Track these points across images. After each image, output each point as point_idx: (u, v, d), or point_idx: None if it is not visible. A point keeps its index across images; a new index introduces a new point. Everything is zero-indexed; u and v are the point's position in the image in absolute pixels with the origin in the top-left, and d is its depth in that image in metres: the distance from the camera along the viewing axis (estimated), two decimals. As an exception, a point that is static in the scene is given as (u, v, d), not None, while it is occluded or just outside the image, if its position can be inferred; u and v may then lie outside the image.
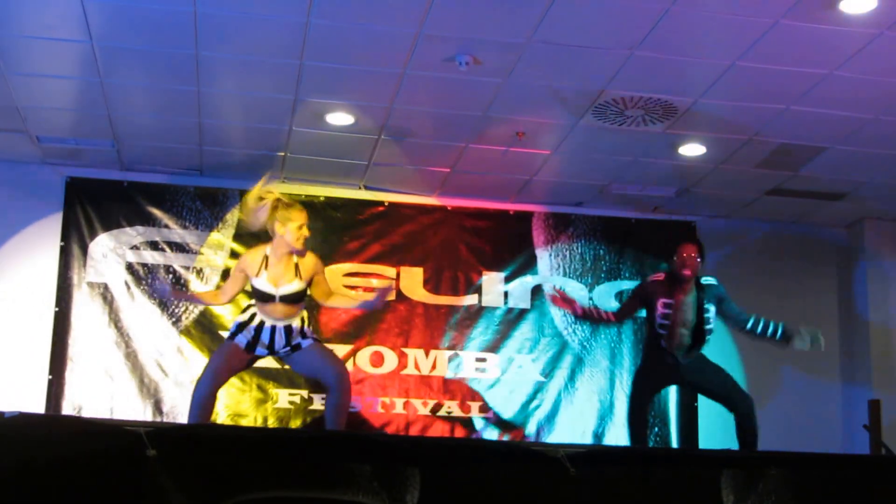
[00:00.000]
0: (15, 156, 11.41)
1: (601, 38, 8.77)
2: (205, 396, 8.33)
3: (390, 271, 12.05)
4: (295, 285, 8.30)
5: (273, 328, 8.32)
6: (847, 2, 8.04)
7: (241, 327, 8.40)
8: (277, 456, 5.85)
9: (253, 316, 8.40)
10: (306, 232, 8.36)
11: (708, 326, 9.26)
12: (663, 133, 10.45)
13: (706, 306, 9.26)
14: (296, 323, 8.38)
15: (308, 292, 8.43)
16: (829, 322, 12.83)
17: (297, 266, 8.34)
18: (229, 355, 8.42)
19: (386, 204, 12.24)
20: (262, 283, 8.29)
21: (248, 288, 8.55)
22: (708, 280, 9.44)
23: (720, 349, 12.34)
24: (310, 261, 8.44)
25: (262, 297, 8.32)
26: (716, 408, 12.27)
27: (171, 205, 11.77)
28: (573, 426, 12.01)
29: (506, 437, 11.82)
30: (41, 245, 11.47)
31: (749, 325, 9.50)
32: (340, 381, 8.34)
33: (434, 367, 11.96)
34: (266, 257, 8.34)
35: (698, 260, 9.28)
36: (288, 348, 8.36)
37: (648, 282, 9.61)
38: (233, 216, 11.83)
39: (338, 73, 9.46)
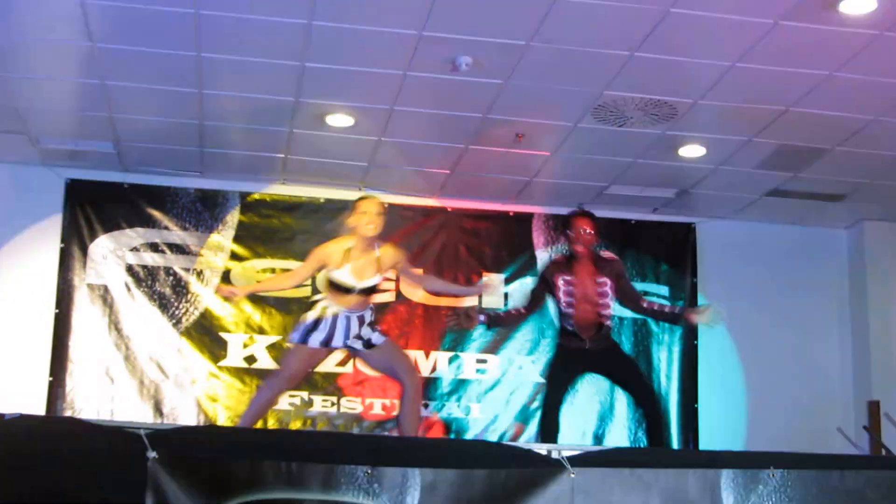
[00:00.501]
0: (15, 157, 11.42)
1: (601, 40, 8.78)
2: (269, 399, 8.53)
3: (390, 272, 12.02)
4: (376, 279, 8.40)
5: (347, 318, 8.35)
6: (847, 3, 8.04)
7: (315, 325, 8.35)
8: (278, 457, 5.85)
9: (324, 309, 8.38)
10: (378, 221, 8.40)
11: (604, 301, 8.99)
12: (663, 134, 10.46)
13: (600, 280, 8.98)
14: (367, 314, 8.45)
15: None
16: (829, 323, 12.85)
17: (378, 260, 8.40)
18: (302, 360, 8.48)
19: (386, 205, 12.16)
20: (345, 276, 8.29)
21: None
22: (606, 254, 9.25)
23: (719, 350, 12.39)
24: (390, 253, 8.52)
25: (340, 289, 8.33)
26: (715, 409, 12.34)
27: (171, 206, 11.78)
28: (573, 428, 12.00)
29: (506, 439, 11.82)
30: (41, 247, 11.48)
31: (644, 304, 9.25)
32: (413, 380, 8.52)
33: (434, 368, 11.97)
34: (349, 250, 8.34)
35: (591, 233, 8.99)
36: (361, 342, 8.41)
37: (548, 263, 9.49)
38: (233, 218, 11.85)
39: (338, 74, 9.46)
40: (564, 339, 9.10)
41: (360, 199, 8.54)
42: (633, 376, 9.30)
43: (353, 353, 8.70)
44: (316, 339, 8.33)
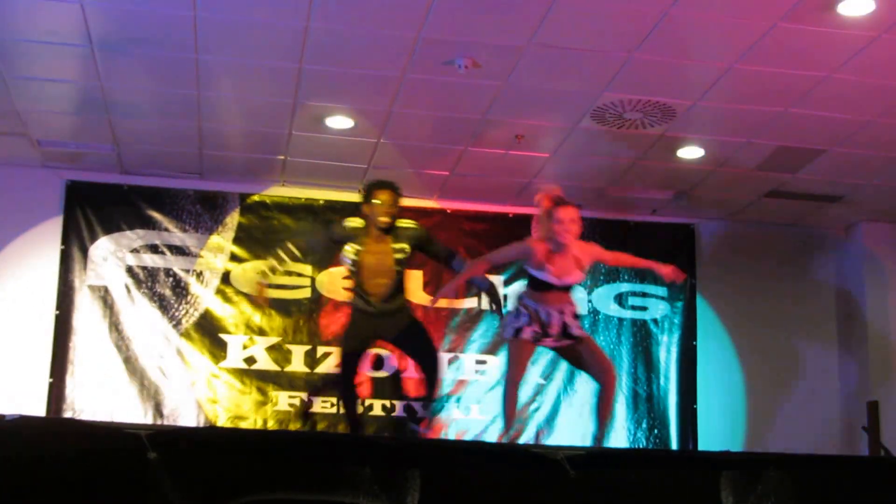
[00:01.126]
0: (15, 159, 11.42)
1: (600, 42, 8.79)
2: (512, 395, 8.64)
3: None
4: (576, 276, 8.46)
5: (548, 313, 8.41)
6: (845, 4, 8.05)
7: (521, 326, 8.45)
8: (277, 458, 5.87)
9: (526, 307, 8.48)
10: (578, 228, 8.43)
11: (398, 269, 8.95)
12: (662, 136, 10.47)
13: (396, 246, 8.95)
14: (568, 309, 8.49)
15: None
16: (827, 324, 12.86)
17: (577, 258, 8.44)
18: (523, 350, 8.56)
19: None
20: (546, 275, 8.36)
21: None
22: (405, 223, 9.14)
23: (718, 351, 12.40)
24: (587, 249, 8.55)
25: (541, 287, 8.42)
26: (714, 410, 12.35)
27: (171, 208, 11.78)
28: (573, 428, 12.01)
29: (506, 440, 11.82)
30: (41, 249, 11.48)
31: (455, 263, 9.25)
32: (610, 377, 8.61)
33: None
34: (550, 250, 8.38)
35: (392, 205, 8.96)
36: (564, 338, 8.48)
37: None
38: (232, 219, 11.87)
39: (337, 76, 9.47)
40: (358, 306, 9.13)
41: (557, 200, 8.55)
42: (421, 343, 9.33)
43: (558, 348, 8.75)
44: (529, 334, 8.44)
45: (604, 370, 8.57)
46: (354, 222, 9.03)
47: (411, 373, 11.36)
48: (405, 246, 9.03)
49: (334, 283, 11.69)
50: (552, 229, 8.35)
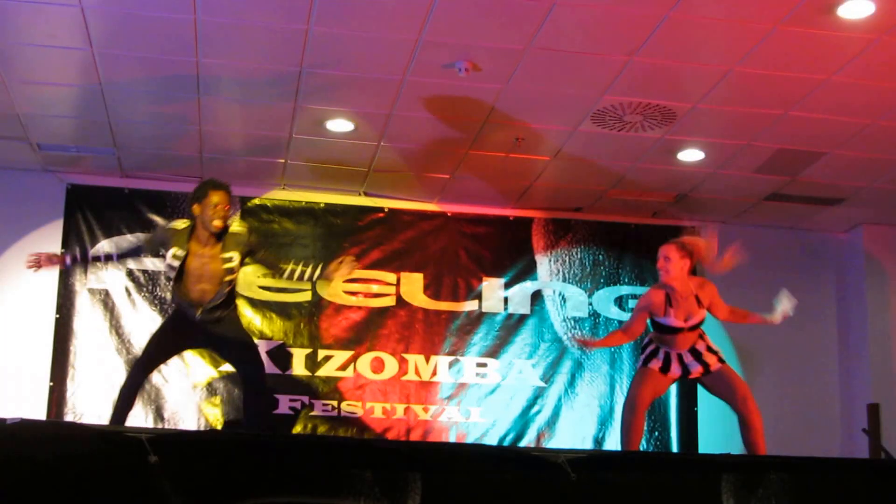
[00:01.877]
0: (16, 163, 11.42)
1: (600, 45, 8.79)
2: (630, 420, 8.70)
3: (391, 277, 12.07)
4: (699, 315, 8.72)
5: (680, 356, 8.72)
6: (845, 7, 8.05)
7: (650, 356, 8.80)
8: (279, 462, 5.86)
9: (657, 348, 8.78)
10: (679, 264, 8.74)
11: (228, 279, 8.48)
12: (662, 139, 10.47)
13: (225, 255, 8.47)
14: (699, 344, 8.76)
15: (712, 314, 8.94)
16: (827, 326, 12.86)
17: (697, 297, 8.72)
18: (646, 378, 8.77)
19: (386, 210, 12.25)
20: (670, 321, 8.68)
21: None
22: (236, 227, 8.79)
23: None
24: (708, 289, 8.87)
25: (667, 331, 8.72)
26: (715, 413, 12.33)
27: (171, 211, 11.76)
28: (574, 431, 12.02)
29: (506, 443, 11.83)
30: (42, 252, 11.45)
31: (286, 274, 8.71)
32: (748, 406, 8.69)
33: (435, 372, 11.98)
34: (668, 296, 8.70)
35: (226, 208, 8.53)
36: (700, 370, 8.73)
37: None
38: (233, 223, 11.85)
39: (338, 80, 9.47)
40: (177, 310, 8.77)
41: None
42: (238, 346, 8.76)
43: (689, 379, 8.96)
44: (656, 364, 8.75)
45: (741, 399, 8.72)
46: (179, 224, 8.68)
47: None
48: (234, 254, 8.51)
49: (335, 286, 11.67)
50: (658, 266, 8.81)
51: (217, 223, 8.44)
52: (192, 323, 8.55)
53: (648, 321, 8.88)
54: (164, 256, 8.55)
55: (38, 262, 8.95)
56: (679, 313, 8.67)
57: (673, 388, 12.25)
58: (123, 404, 8.66)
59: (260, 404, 8.90)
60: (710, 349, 8.79)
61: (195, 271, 8.46)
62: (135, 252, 9.10)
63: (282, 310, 11.72)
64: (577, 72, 9.22)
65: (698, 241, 8.85)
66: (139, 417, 11.21)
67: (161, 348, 8.80)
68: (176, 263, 8.44)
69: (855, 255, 12.82)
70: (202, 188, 8.57)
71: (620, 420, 8.89)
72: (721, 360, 8.82)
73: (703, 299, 8.75)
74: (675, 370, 8.73)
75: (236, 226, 8.70)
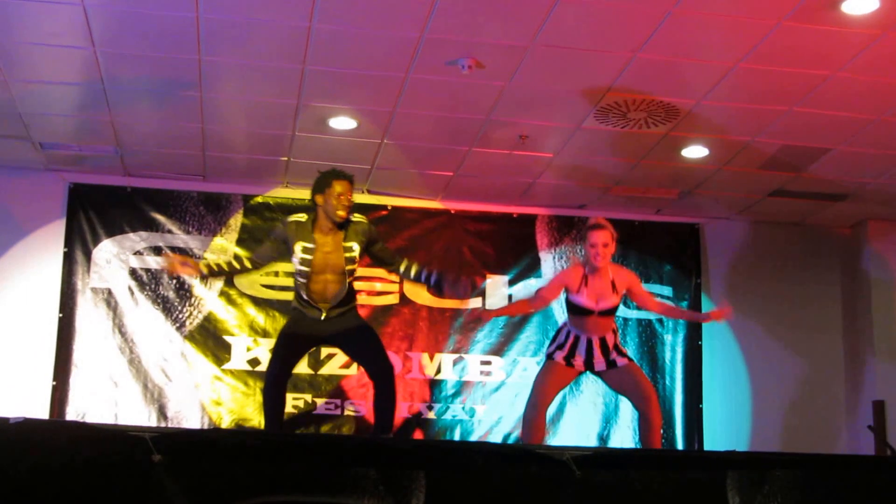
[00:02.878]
0: (18, 162, 11.41)
1: (604, 41, 8.76)
2: (533, 417, 8.76)
3: (394, 275, 12.04)
4: (611, 301, 8.67)
5: (589, 340, 8.72)
6: (849, 3, 8.02)
7: (557, 347, 8.84)
8: (283, 461, 5.85)
9: (567, 336, 8.82)
10: (611, 250, 8.68)
11: (350, 268, 8.45)
12: (666, 135, 10.45)
13: (347, 245, 8.44)
14: (609, 337, 8.77)
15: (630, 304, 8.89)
16: (833, 323, 12.83)
17: (613, 283, 8.67)
18: (551, 372, 8.83)
19: (389, 208, 12.24)
20: (582, 300, 8.66)
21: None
22: (356, 217, 8.61)
23: (723, 350, 12.38)
24: (626, 277, 8.83)
25: (579, 312, 8.70)
26: (720, 410, 12.32)
27: (174, 210, 11.77)
28: (578, 429, 12.01)
29: (511, 441, 11.81)
30: (45, 251, 11.47)
31: (402, 269, 8.79)
32: (650, 406, 8.67)
33: (439, 370, 11.96)
34: (585, 275, 8.66)
35: (350, 197, 8.47)
36: (604, 364, 8.74)
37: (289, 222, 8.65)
38: (236, 221, 11.86)
39: (341, 77, 9.45)
40: (299, 307, 8.65)
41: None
42: (366, 344, 8.76)
43: (598, 374, 8.94)
44: (559, 355, 8.79)
45: (643, 398, 8.74)
46: (299, 217, 8.54)
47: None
48: (355, 244, 8.46)
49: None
50: (587, 252, 8.66)
51: (341, 213, 8.39)
52: (316, 322, 8.52)
53: (564, 301, 8.88)
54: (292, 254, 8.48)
55: (174, 269, 8.94)
56: (591, 294, 8.63)
57: (678, 386, 12.25)
58: (273, 427, 8.63)
59: (393, 403, 8.83)
60: (617, 347, 8.82)
61: (319, 263, 8.42)
62: (270, 258, 8.82)
63: (285, 308, 11.65)
64: (581, 68, 9.20)
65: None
66: (142, 417, 11.21)
67: (290, 353, 8.71)
68: (309, 257, 8.38)
69: (860, 251, 12.79)
70: (325, 178, 8.50)
71: (523, 417, 8.92)
72: (629, 358, 8.88)
73: (618, 286, 8.71)
74: (579, 363, 8.76)
75: (356, 216, 8.57)
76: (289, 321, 8.93)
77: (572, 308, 8.77)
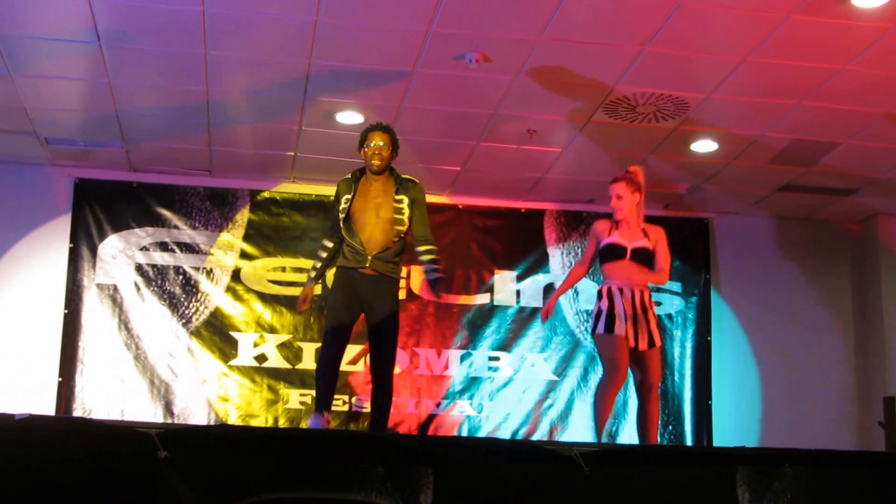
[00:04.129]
0: (23, 157, 11.40)
1: (612, 35, 8.73)
2: (604, 398, 8.52)
3: (402, 268, 12.00)
4: (644, 242, 8.57)
5: (621, 290, 8.46)
6: (859, -4, 8.01)
7: (604, 313, 8.46)
8: (289, 457, 5.82)
9: (603, 294, 8.49)
10: (631, 201, 8.57)
11: (398, 217, 8.27)
12: (675, 129, 10.41)
13: (398, 197, 8.31)
14: (647, 297, 8.52)
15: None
16: (843, 318, 12.79)
17: (644, 230, 8.63)
18: (616, 348, 8.45)
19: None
20: (615, 239, 8.54)
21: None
22: (409, 176, 8.48)
23: (732, 346, 12.34)
24: (657, 231, 8.72)
25: (612, 255, 8.52)
26: (729, 405, 12.29)
27: (180, 205, 11.76)
28: (587, 425, 11.93)
29: (519, 437, 11.78)
30: (50, 247, 11.47)
31: (421, 249, 8.49)
32: (651, 396, 8.60)
33: (446, 366, 11.93)
34: (614, 222, 8.57)
35: (387, 147, 8.33)
36: (646, 342, 8.43)
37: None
38: (242, 216, 11.84)
39: (347, 72, 9.43)
40: (344, 264, 8.44)
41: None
42: (387, 321, 8.44)
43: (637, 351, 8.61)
44: (610, 326, 8.42)
45: (647, 387, 8.57)
46: (346, 176, 8.46)
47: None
48: (405, 197, 8.31)
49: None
50: (611, 206, 8.54)
51: (375, 162, 8.27)
52: (359, 276, 8.27)
53: (597, 259, 8.66)
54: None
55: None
56: (623, 235, 8.48)
57: (687, 381, 12.23)
58: (325, 389, 8.48)
59: (390, 401, 8.76)
60: (659, 323, 8.73)
61: (362, 211, 8.28)
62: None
63: (292, 304, 11.64)
64: (589, 62, 9.15)
65: (639, 169, 8.63)
66: (149, 413, 11.19)
67: (338, 320, 8.43)
68: (349, 202, 8.29)
69: (870, 245, 12.75)
70: (363, 133, 8.44)
71: (592, 400, 8.72)
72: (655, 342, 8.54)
73: (649, 233, 8.58)
74: (620, 329, 8.38)
75: (410, 176, 8.45)
76: (333, 284, 8.57)
77: (605, 253, 8.52)
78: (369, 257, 8.22)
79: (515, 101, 9.89)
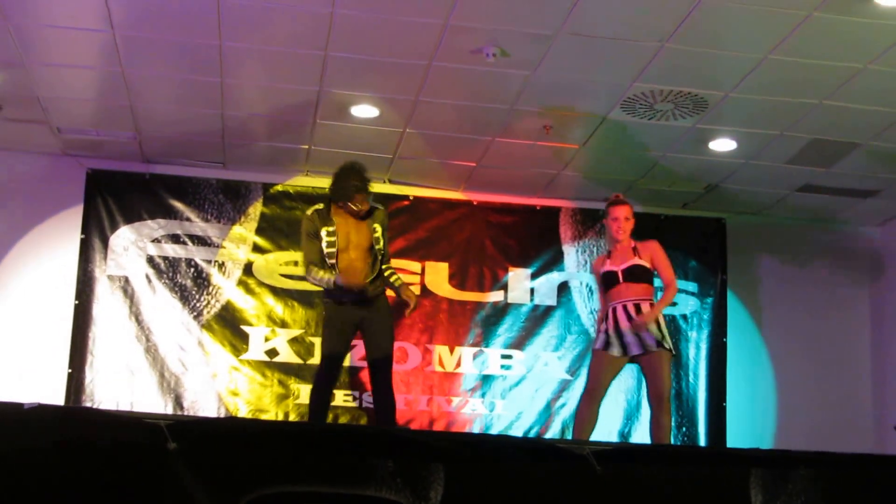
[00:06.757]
0: (35, 147, 11.38)
1: (631, 31, 8.68)
2: (579, 410, 9.25)
3: (415, 266, 11.98)
4: (633, 261, 8.99)
5: (624, 307, 8.87)
6: (881, -7, 7.95)
7: (600, 325, 9.12)
8: (299, 450, 5.80)
9: (605, 315, 9.04)
10: (632, 224, 9.16)
11: (378, 245, 9.04)
12: (693, 128, 10.36)
13: (374, 225, 9.06)
14: (644, 304, 8.87)
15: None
16: (860, 321, 12.74)
17: (634, 248, 9.09)
18: (593, 363, 9.15)
19: (411, 198, 12.17)
20: (607, 267, 9.08)
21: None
22: (375, 205, 9.20)
23: (748, 348, 12.29)
24: (647, 243, 9.13)
25: (608, 282, 9.02)
26: (744, 407, 12.23)
27: (193, 198, 11.73)
28: (599, 425, 11.76)
29: (531, 436, 11.73)
30: (62, 238, 11.45)
31: (387, 274, 9.28)
32: (662, 406, 8.86)
33: (459, 364, 11.89)
34: (608, 252, 9.15)
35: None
36: (640, 346, 8.86)
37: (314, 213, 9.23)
38: (255, 209, 11.81)
39: (363, 64, 9.39)
40: (336, 294, 9.09)
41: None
42: (385, 339, 9.25)
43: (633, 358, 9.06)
44: (601, 342, 9.05)
45: (656, 399, 8.84)
46: (317, 206, 9.13)
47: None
48: (378, 226, 9.08)
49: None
50: (609, 228, 9.03)
51: (355, 206, 8.99)
52: (349, 305, 9.02)
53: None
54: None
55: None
56: (614, 262, 8.99)
57: (702, 383, 12.17)
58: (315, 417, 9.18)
59: (393, 404, 9.32)
60: (660, 328, 8.90)
61: (341, 246, 8.99)
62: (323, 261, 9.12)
63: (304, 298, 11.62)
64: (608, 58, 9.11)
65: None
66: (158, 406, 11.17)
67: (334, 348, 9.19)
68: (333, 239, 8.96)
69: (889, 248, 12.69)
70: (350, 188, 8.99)
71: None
72: (667, 349, 8.91)
73: (640, 251, 9.00)
74: (617, 348, 8.93)
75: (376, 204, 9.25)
76: (325, 316, 9.39)
77: (603, 284, 9.05)
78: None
79: (532, 97, 9.84)
